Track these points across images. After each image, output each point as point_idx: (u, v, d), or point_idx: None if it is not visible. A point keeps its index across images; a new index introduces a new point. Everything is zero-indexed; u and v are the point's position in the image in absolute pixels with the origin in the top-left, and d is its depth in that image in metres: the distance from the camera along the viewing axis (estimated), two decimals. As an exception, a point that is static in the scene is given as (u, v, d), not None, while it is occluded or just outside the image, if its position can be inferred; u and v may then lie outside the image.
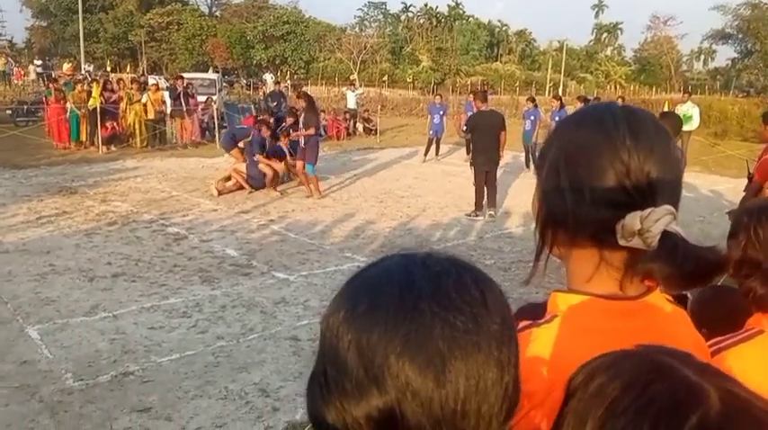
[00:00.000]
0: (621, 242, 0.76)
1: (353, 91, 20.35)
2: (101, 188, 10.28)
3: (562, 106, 13.18)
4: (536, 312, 0.84)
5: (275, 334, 4.83)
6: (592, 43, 71.35)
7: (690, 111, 14.26)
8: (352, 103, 19.95)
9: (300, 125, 10.01)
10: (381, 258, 0.62)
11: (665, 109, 12.32)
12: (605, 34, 72.88)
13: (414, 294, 0.55)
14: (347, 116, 19.82)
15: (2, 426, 3.47)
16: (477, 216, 8.95)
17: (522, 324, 0.83)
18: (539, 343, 0.79)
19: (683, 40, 78.74)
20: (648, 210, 0.74)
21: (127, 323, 4.94)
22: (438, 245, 7.58)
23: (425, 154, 14.65)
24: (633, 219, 0.74)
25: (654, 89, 46.88)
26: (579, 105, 12.48)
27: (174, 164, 12.78)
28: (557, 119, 12.71)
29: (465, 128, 9.45)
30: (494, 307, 0.58)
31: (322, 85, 38.51)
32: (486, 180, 8.96)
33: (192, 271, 6.30)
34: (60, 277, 5.96)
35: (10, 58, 30.15)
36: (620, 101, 11.85)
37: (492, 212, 9.06)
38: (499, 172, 13.55)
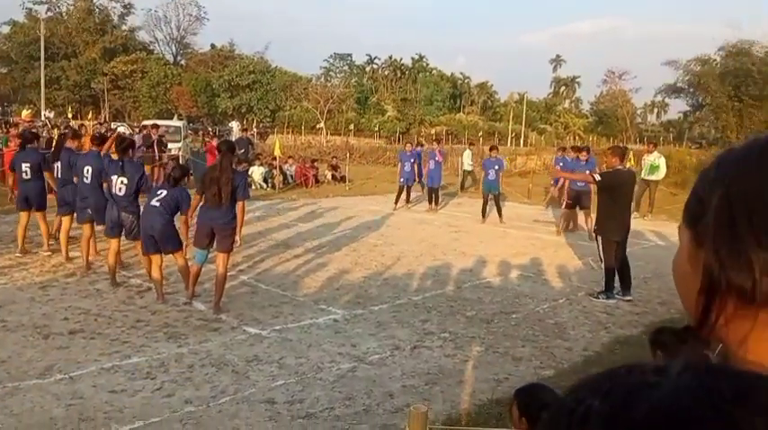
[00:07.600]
0: None
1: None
2: (58, 237, 9.77)
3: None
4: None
5: (248, 396, 4.47)
6: (551, 96, 73.93)
7: (657, 161, 14.56)
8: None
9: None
10: None
11: (630, 160, 12.41)
12: (563, 87, 75.74)
13: None
14: (314, 164, 19.71)
15: None
16: (608, 299, 7.35)
17: None
18: None
19: (637, 94, 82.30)
20: None
21: (85, 386, 4.51)
22: (416, 295, 7.34)
23: (396, 202, 14.52)
24: None
25: (611, 140, 48.53)
26: (561, 155, 12.66)
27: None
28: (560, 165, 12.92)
29: (599, 179, 7.51)
30: None
31: (288, 132, 38.57)
32: (616, 253, 7.38)
33: (156, 326, 5.90)
34: (12, 334, 5.49)
35: (-34, 104, 29.27)
36: (584, 154, 11.98)
37: (630, 297, 7.43)
38: (462, 221, 13.47)
